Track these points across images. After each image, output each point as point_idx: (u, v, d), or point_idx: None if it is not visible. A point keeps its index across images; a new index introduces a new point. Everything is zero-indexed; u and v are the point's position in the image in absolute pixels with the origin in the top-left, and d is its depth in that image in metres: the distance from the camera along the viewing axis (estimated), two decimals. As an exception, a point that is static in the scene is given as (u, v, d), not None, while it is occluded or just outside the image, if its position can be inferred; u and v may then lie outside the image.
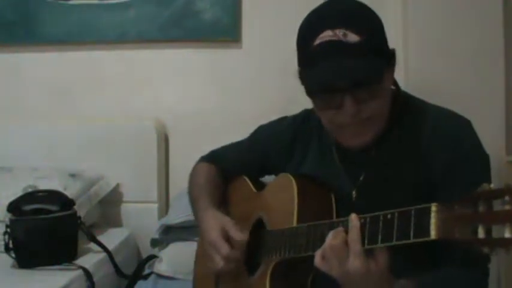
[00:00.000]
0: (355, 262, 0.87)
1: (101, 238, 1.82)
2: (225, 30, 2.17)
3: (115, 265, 1.78)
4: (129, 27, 2.20)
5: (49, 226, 1.66)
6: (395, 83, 1.14)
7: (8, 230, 1.63)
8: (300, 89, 1.06)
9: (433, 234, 0.76)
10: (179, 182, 1.69)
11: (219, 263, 1.18)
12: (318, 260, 0.92)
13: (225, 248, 1.17)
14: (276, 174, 1.29)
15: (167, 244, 1.89)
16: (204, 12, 2.16)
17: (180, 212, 1.85)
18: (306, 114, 1.28)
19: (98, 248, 1.77)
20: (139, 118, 2.19)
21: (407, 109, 1.12)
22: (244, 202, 1.36)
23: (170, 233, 1.90)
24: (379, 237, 0.85)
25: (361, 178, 1.12)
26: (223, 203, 1.41)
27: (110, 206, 2.16)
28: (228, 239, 1.19)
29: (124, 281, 1.81)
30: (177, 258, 1.79)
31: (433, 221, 0.77)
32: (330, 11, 1.05)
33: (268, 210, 1.25)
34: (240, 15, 2.17)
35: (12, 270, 1.62)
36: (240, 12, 2.17)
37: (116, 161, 2.16)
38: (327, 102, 1.05)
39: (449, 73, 1.89)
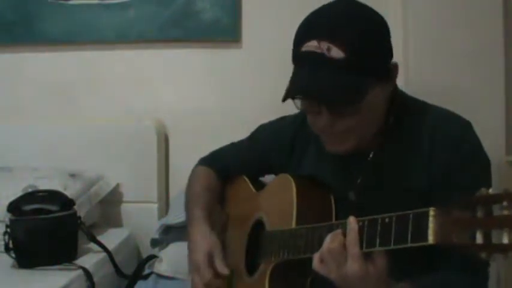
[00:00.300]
0: (353, 265, 0.87)
1: (101, 238, 1.82)
2: (225, 30, 2.16)
3: (115, 265, 1.78)
4: (129, 27, 2.19)
5: (49, 226, 1.66)
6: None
7: (8, 230, 1.63)
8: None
9: (430, 239, 0.76)
10: (179, 182, 1.68)
11: (200, 286, 1.20)
12: (316, 263, 0.93)
13: (207, 274, 1.19)
14: (276, 173, 1.29)
15: (167, 244, 1.89)
16: (204, 12, 2.16)
17: (180, 212, 1.82)
18: (305, 114, 1.28)
19: (98, 248, 1.77)
20: (139, 118, 2.18)
21: (406, 110, 1.11)
22: (244, 202, 1.36)
23: (170, 233, 1.90)
24: (377, 240, 0.85)
25: (358, 180, 1.12)
26: (222, 203, 1.41)
27: (109, 206, 2.16)
28: (212, 264, 1.20)
29: (124, 281, 1.81)
30: (177, 258, 1.78)
31: (431, 225, 0.77)
32: (322, 19, 1.02)
33: (267, 210, 1.25)
34: (240, 15, 2.17)
35: (12, 270, 1.62)
36: (240, 12, 2.17)
37: (116, 161, 2.15)
38: (307, 106, 1.05)
39: (449, 73, 1.89)
